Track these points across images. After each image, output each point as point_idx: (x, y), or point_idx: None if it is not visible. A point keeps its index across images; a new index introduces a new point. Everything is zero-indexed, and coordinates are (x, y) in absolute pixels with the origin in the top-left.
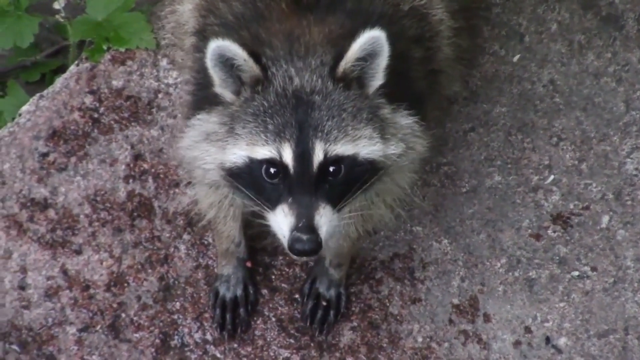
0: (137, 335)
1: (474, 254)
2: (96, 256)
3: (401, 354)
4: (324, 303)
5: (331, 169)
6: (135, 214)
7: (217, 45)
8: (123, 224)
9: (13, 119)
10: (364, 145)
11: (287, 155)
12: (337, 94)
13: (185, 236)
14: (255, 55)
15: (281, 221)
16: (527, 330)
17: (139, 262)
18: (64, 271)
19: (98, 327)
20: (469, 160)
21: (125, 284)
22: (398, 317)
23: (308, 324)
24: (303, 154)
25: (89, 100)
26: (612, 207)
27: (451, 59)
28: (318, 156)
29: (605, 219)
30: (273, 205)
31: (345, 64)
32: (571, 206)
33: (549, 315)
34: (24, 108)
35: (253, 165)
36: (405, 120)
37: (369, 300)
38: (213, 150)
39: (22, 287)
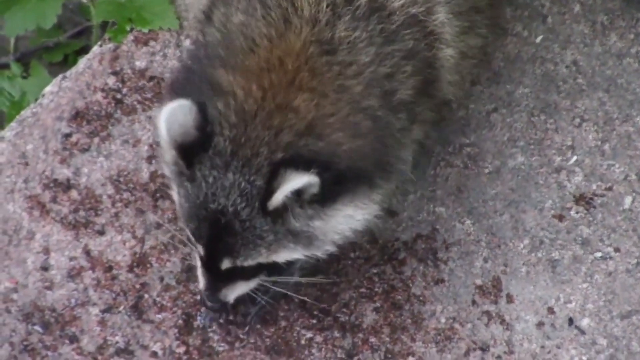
0: (159, 316)
1: (497, 234)
2: (119, 237)
3: (424, 335)
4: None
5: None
6: (158, 194)
7: (162, 118)
8: (146, 204)
9: (36, 99)
10: (281, 256)
11: (200, 251)
12: (260, 223)
13: None
14: (189, 150)
15: (197, 271)
16: (550, 311)
17: (161, 243)
18: (87, 252)
19: (121, 308)
20: (492, 141)
21: (148, 265)
22: (421, 298)
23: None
24: (211, 261)
25: (111, 81)
26: (635, 188)
27: (455, 60)
28: (225, 265)
29: (628, 199)
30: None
31: (274, 203)
32: (594, 187)
33: (572, 296)
34: (47, 89)
35: None
36: (345, 222)
37: (392, 281)
38: (166, 169)
39: (45, 268)
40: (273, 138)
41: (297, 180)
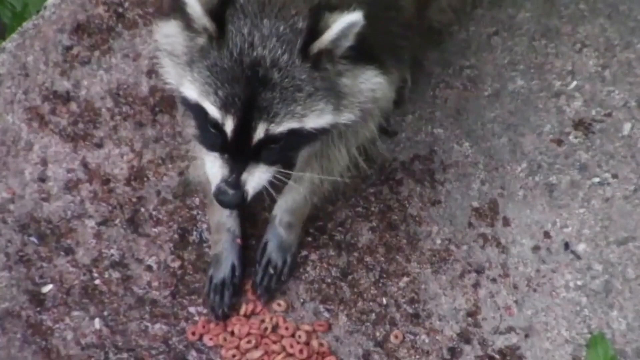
0: (155, 230)
1: (495, 157)
2: (117, 150)
3: (419, 255)
4: (272, 271)
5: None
6: (157, 109)
7: None
8: (145, 118)
9: (38, 11)
10: (312, 120)
11: (229, 127)
12: (299, 72)
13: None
14: (217, 9)
15: (213, 168)
16: (546, 235)
17: (159, 157)
18: (85, 164)
19: (117, 221)
20: (492, 64)
21: (145, 179)
22: (417, 219)
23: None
24: (243, 130)
25: None
26: (635, 114)
27: None
28: (259, 134)
29: (627, 126)
30: (210, 148)
31: (319, 45)
32: (593, 112)
33: (569, 221)
34: (49, 1)
35: (201, 110)
36: (368, 84)
37: (389, 201)
38: (173, 72)
39: (42, 180)
40: None
41: (345, 19)
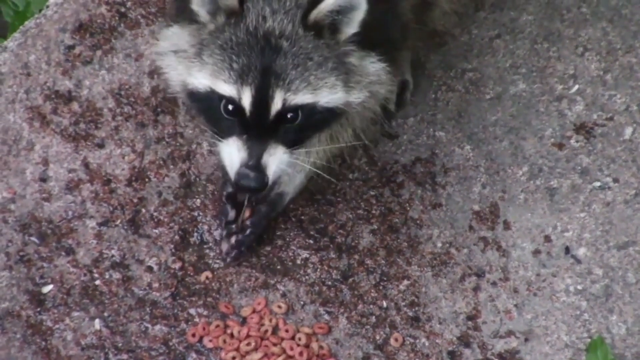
0: (156, 230)
1: (496, 161)
2: (118, 150)
3: (420, 259)
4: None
5: (289, 115)
6: (159, 109)
7: None
8: (146, 119)
9: (40, 10)
10: (325, 94)
11: (246, 100)
12: (305, 41)
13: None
14: None
15: (233, 154)
16: (547, 239)
17: (161, 158)
18: (86, 164)
19: (118, 222)
20: (494, 67)
21: (147, 180)
22: (418, 222)
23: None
24: (261, 101)
25: None
26: (636, 118)
27: None
28: (276, 105)
29: (628, 130)
30: (226, 135)
31: (317, 14)
32: (595, 116)
33: (569, 225)
34: (52, 0)
35: (213, 97)
36: (373, 67)
37: (390, 204)
38: (179, 67)
39: (44, 179)
40: None
41: None
